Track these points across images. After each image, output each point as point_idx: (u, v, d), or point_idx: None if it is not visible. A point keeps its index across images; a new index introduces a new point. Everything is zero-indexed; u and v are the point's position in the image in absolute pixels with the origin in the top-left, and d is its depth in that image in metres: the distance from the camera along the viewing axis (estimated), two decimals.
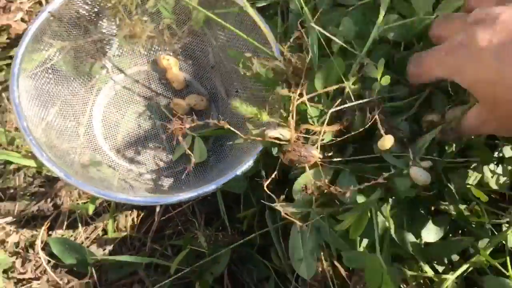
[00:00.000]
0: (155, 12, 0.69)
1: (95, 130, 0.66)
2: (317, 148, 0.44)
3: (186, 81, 0.70)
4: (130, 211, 0.66)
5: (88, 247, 0.64)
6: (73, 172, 0.56)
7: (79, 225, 0.65)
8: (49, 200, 0.66)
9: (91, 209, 0.61)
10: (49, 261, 0.63)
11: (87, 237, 0.65)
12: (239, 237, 0.63)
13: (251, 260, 0.63)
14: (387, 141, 0.42)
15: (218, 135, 0.67)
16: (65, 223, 0.65)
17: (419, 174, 0.41)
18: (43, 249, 0.64)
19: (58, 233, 0.65)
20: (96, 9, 0.66)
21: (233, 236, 0.62)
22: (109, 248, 0.64)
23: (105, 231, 0.66)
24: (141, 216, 0.66)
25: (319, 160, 0.44)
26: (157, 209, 0.65)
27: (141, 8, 0.69)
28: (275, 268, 0.61)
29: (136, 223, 0.66)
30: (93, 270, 0.61)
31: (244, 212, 0.63)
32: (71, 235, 0.65)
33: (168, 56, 0.70)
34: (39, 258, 0.63)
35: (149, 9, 0.70)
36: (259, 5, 0.66)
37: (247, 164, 0.53)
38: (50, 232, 0.66)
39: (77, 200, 0.65)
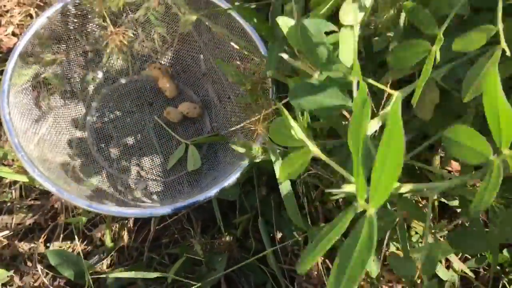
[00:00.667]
0: (146, 20, 0.70)
1: (88, 142, 0.67)
2: None
3: (178, 89, 0.71)
4: (126, 221, 0.66)
5: (86, 258, 0.65)
6: (66, 185, 0.57)
7: (76, 236, 0.65)
8: (45, 212, 0.67)
9: (83, 221, 0.61)
10: (47, 274, 0.63)
11: (85, 248, 0.66)
12: (235, 243, 0.63)
13: (248, 266, 0.63)
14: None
15: (211, 142, 0.67)
16: (62, 235, 0.66)
17: None
18: (40, 261, 0.64)
19: (55, 245, 0.65)
20: (85, 21, 0.66)
21: (229, 243, 0.62)
22: (107, 258, 0.65)
23: (102, 241, 0.66)
24: (137, 226, 0.66)
25: None
26: (153, 218, 0.65)
27: (131, 17, 0.70)
28: (272, 273, 0.61)
29: (132, 232, 0.66)
30: (91, 281, 0.61)
31: (239, 218, 0.63)
32: (69, 247, 0.66)
33: (159, 64, 0.70)
34: (37, 270, 0.63)
35: (140, 19, 0.70)
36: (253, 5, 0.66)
37: (239, 172, 0.54)
38: (47, 244, 0.66)
39: (72, 212, 0.65)
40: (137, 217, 0.53)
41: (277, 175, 0.44)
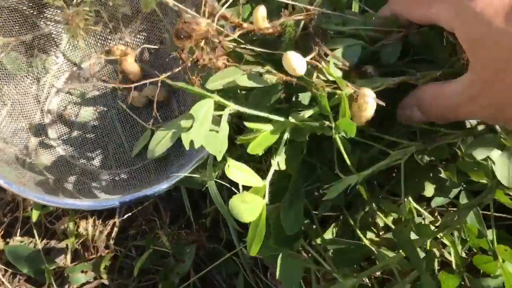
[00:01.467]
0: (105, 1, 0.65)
1: (48, 130, 0.63)
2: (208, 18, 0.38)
3: (143, 71, 0.67)
4: (91, 212, 0.63)
5: (48, 253, 0.61)
6: (21, 177, 0.53)
7: (38, 230, 0.62)
8: (3, 205, 0.63)
9: (35, 216, 0.58)
10: (6, 271, 0.60)
11: (47, 243, 0.62)
12: (205, 233, 0.60)
13: (219, 256, 0.60)
14: (287, 60, 0.36)
15: None
16: (23, 229, 0.62)
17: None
18: None
19: (16, 240, 0.62)
20: (42, 1, 0.62)
21: (198, 233, 0.59)
22: (70, 253, 0.61)
23: (65, 235, 0.62)
24: (102, 217, 0.63)
25: (211, 33, 0.38)
26: (118, 209, 0.62)
27: None
28: (243, 263, 0.58)
29: (97, 224, 0.63)
30: (52, 278, 0.58)
31: (209, 208, 0.60)
32: (31, 241, 0.62)
33: (122, 46, 0.66)
34: None
35: None
36: None
37: (202, 158, 0.50)
38: (8, 240, 0.62)
39: (31, 205, 0.62)
40: (92, 209, 0.50)
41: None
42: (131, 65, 0.65)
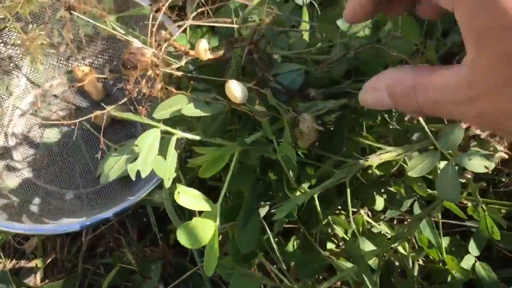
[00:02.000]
0: (69, 20, 0.66)
1: (13, 152, 0.63)
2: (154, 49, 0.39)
3: (106, 90, 0.68)
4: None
5: (17, 273, 0.62)
6: None
7: (6, 251, 0.63)
8: None
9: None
10: None
11: (16, 263, 0.63)
12: (171, 249, 0.62)
13: (186, 270, 0.61)
14: (229, 89, 0.37)
15: None
16: None
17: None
18: None
19: None
20: (1, 25, 0.62)
21: (164, 250, 0.61)
22: (40, 272, 0.62)
23: (34, 254, 0.63)
24: (70, 236, 0.64)
25: (155, 66, 0.39)
26: (84, 230, 0.63)
27: (52, 17, 0.66)
28: (210, 278, 0.60)
29: (65, 243, 0.63)
30: None
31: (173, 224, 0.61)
32: (0, 262, 0.63)
33: (83, 66, 0.67)
34: None
35: (62, 19, 0.67)
36: None
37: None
38: None
39: None
40: (52, 233, 0.51)
41: None
42: (93, 85, 0.66)
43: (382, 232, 0.53)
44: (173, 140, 0.39)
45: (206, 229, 0.37)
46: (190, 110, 0.41)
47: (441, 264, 0.52)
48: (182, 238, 0.35)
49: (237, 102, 0.38)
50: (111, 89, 0.68)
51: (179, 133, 0.39)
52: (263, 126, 0.39)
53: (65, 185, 0.63)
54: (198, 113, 0.41)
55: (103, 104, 0.63)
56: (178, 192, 0.38)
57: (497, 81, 0.22)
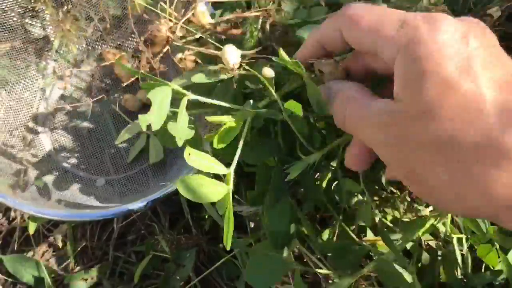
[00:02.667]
0: (98, 2, 0.64)
1: (42, 138, 0.62)
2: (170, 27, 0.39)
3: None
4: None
5: (47, 261, 0.61)
6: (15, 188, 0.52)
7: (36, 239, 0.62)
8: (1, 214, 0.62)
9: (31, 228, 0.57)
10: (6, 280, 0.59)
11: (46, 250, 0.62)
12: (205, 236, 0.60)
13: (219, 259, 0.60)
14: (223, 53, 0.36)
15: None
16: (21, 238, 0.62)
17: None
18: None
19: (15, 248, 0.62)
20: (29, 7, 0.61)
21: (198, 237, 0.59)
22: (70, 260, 0.61)
23: (64, 242, 0.62)
24: (100, 223, 0.62)
25: (170, 39, 0.39)
26: None
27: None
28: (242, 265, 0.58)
29: (96, 230, 0.62)
30: (52, 286, 0.58)
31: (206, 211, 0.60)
32: (29, 250, 0.62)
33: (115, 49, 0.65)
34: None
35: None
36: None
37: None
38: (6, 249, 0.62)
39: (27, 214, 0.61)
40: (88, 219, 0.49)
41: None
42: (123, 69, 0.64)
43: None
44: (184, 101, 0.36)
45: (217, 190, 0.34)
46: (199, 78, 0.39)
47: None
48: (182, 188, 0.32)
49: (228, 67, 0.37)
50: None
51: (190, 95, 0.36)
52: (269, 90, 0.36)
53: (96, 171, 0.61)
54: (205, 80, 0.39)
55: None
56: (189, 154, 0.36)
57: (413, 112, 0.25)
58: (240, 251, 0.56)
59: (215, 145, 0.37)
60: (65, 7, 0.60)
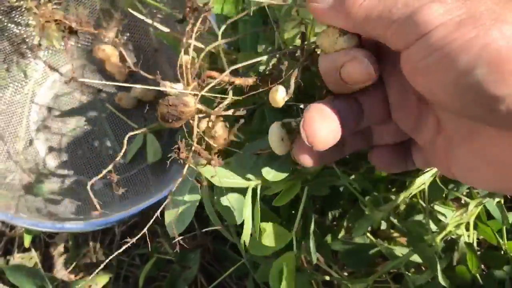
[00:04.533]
0: None
1: (36, 141, 0.60)
2: (195, 96, 0.31)
3: (129, 70, 0.63)
4: None
5: (49, 268, 0.59)
6: (10, 196, 0.51)
7: (37, 246, 0.60)
8: (1, 223, 0.61)
9: (27, 241, 0.55)
10: None
11: (48, 257, 0.60)
12: (209, 235, 0.58)
13: (226, 258, 0.58)
14: (274, 93, 0.29)
15: (172, 128, 0.60)
16: (22, 246, 0.60)
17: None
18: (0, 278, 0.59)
19: (16, 257, 0.60)
20: (12, 5, 0.58)
21: (202, 237, 0.57)
22: (73, 266, 0.59)
23: (66, 248, 0.60)
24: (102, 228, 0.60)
25: (198, 113, 0.31)
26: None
27: None
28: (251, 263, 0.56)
29: (98, 235, 0.60)
30: None
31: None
32: (31, 258, 0.60)
33: (104, 45, 0.62)
34: None
35: None
36: None
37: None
38: (8, 257, 0.60)
39: None
40: (84, 231, 0.47)
41: None
42: (116, 65, 0.61)
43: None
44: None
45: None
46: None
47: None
48: None
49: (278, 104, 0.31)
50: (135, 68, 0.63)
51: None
52: None
53: (93, 174, 0.59)
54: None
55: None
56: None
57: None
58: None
59: (276, 203, 0.34)
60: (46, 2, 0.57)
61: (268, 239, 0.34)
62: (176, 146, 0.29)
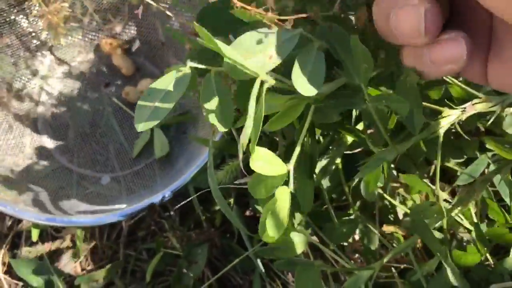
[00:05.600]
0: None
1: (42, 135, 0.60)
2: None
3: (136, 64, 0.63)
4: None
5: (57, 262, 0.59)
6: (18, 190, 0.51)
7: (42, 240, 0.60)
8: (8, 217, 0.61)
9: (35, 235, 0.55)
10: (16, 285, 0.58)
11: (55, 251, 0.60)
12: (216, 230, 0.58)
13: (234, 253, 0.58)
14: None
15: (179, 122, 0.60)
16: (29, 239, 0.60)
17: None
18: (7, 272, 0.59)
19: (23, 251, 0.60)
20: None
21: (209, 232, 0.57)
22: (80, 260, 0.59)
23: (73, 242, 0.60)
24: None
25: None
26: None
27: None
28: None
29: (105, 229, 0.60)
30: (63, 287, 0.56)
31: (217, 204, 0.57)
32: (38, 251, 0.60)
33: (112, 39, 0.62)
34: (5, 283, 0.58)
35: None
36: None
37: (203, 159, 0.47)
38: (15, 251, 0.61)
39: None
40: (92, 225, 0.47)
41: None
42: (123, 59, 0.61)
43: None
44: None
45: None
46: None
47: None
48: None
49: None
50: (142, 62, 0.63)
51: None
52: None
53: (101, 168, 0.59)
54: None
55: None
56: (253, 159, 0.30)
57: None
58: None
59: (269, 127, 0.31)
60: None
61: (259, 165, 0.28)
62: None
